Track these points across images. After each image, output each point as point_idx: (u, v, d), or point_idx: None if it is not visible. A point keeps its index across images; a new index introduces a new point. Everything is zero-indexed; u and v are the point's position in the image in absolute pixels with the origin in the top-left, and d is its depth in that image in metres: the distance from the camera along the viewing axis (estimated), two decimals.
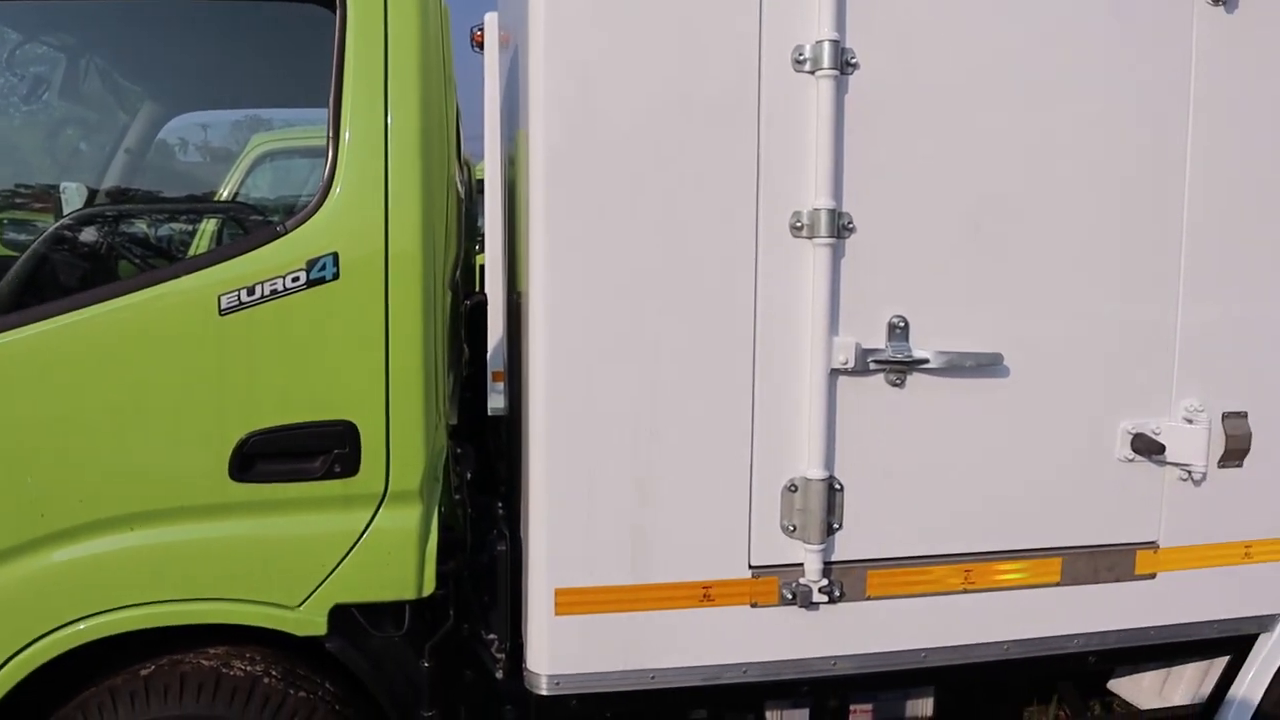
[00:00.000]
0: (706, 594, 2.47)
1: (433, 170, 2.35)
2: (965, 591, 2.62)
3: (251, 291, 2.20)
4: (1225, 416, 2.71)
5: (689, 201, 2.34)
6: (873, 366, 2.46)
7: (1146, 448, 2.63)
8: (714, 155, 2.33)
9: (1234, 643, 2.92)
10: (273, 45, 2.93)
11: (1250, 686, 2.90)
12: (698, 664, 2.50)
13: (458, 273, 3.16)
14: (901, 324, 2.47)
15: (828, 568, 2.49)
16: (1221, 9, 2.57)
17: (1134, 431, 2.65)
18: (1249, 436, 2.72)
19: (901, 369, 2.48)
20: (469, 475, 2.79)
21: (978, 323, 2.53)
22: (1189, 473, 2.69)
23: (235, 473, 2.24)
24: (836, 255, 2.40)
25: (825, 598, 2.51)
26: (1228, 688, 2.94)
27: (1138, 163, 2.59)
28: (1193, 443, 2.64)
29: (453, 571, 2.50)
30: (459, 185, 3.34)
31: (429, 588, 2.40)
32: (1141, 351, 2.66)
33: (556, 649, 2.43)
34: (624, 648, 2.45)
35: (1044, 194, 2.54)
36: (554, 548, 2.39)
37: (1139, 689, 3.15)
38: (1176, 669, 3.07)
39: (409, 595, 2.38)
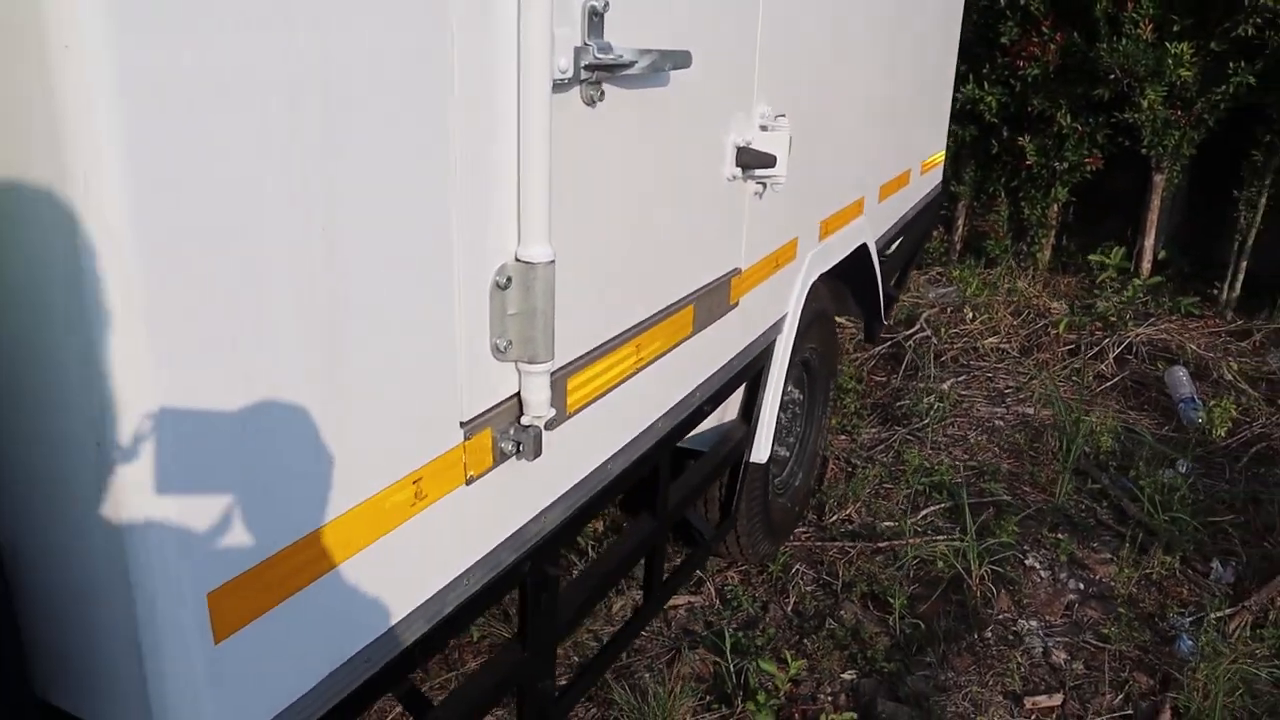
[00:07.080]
0: (418, 491, 1.45)
1: None
2: (634, 374, 2.04)
3: None
4: None
5: None
6: (583, 75, 1.60)
7: (754, 161, 2.30)
8: None
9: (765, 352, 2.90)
10: None
11: (776, 377, 2.95)
12: (422, 600, 1.51)
13: None
14: (600, 9, 1.62)
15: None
16: None
17: (740, 145, 2.29)
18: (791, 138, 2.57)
19: (604, 76, 1.66)
20: None
21: (663, 8, 1.82)
22: (765, 185, 2.46)
23: None
24: None
25: (548, 434, 1.69)
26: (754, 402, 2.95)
27: None
28: (779, 149, 2.39)
29: None
30: None
31: None
32: (742, 59, 2.26)
33: (226, 708, 1.19)
34: (332, 631, 1.34)
35: None
36: (191, 519, 1.10)
37: None
38: None
39: None
